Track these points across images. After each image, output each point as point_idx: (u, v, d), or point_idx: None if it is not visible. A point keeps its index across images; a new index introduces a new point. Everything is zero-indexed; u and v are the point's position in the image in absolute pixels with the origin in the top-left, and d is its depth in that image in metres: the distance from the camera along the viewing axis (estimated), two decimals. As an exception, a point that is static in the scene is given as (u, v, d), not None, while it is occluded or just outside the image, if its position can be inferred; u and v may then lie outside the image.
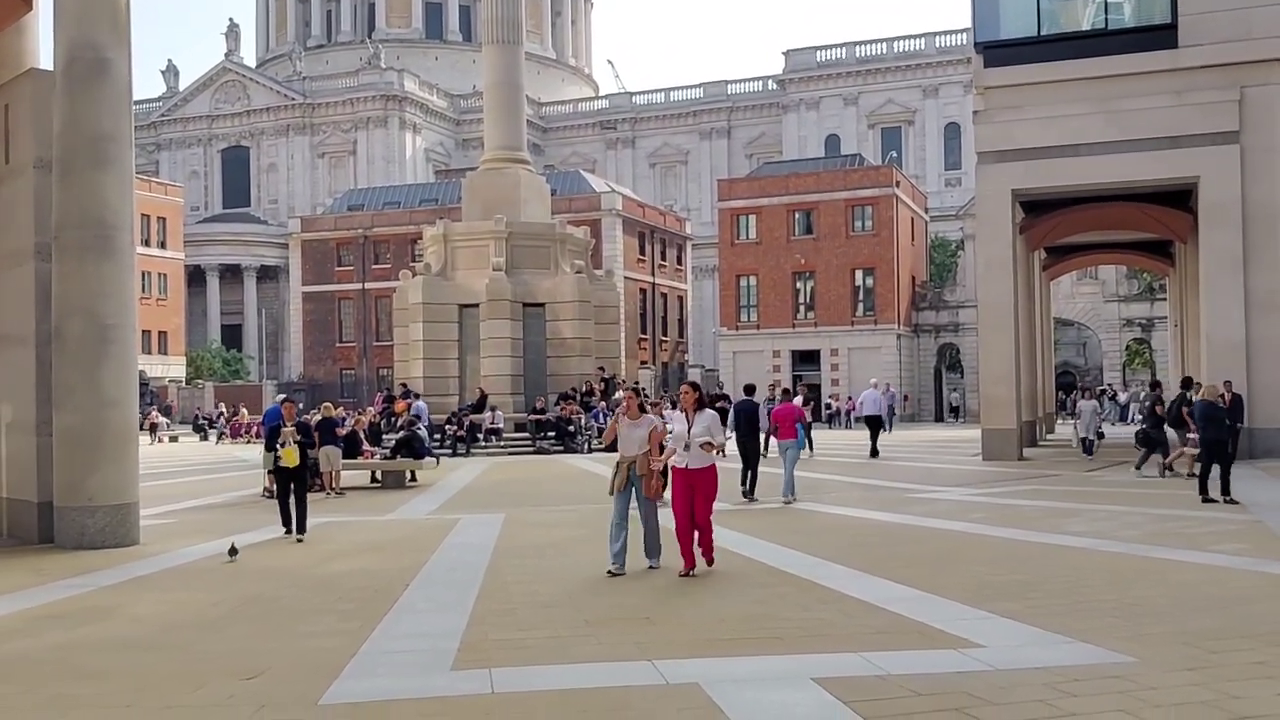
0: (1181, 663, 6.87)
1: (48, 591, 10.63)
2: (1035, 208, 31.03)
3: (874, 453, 28.31)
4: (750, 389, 19.81)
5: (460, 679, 6.79)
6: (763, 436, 20.81)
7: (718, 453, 11.05)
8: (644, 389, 36.10)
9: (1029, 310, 32.49)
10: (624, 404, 11.54)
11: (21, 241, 14.70)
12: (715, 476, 11.09)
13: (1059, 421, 43.90)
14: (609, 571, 10.73)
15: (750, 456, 18.58)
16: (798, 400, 25.73)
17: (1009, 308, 26.62)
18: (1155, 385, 28.13)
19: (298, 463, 14.42)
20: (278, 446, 14.60)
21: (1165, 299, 53.67)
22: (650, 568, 11.11)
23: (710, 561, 10.95)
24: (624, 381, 37.17)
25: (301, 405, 42.03)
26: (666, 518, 11.36)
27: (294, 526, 14.38)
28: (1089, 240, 38.49)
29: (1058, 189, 27.68)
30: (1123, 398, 53.83)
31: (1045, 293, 42.93)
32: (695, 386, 11.29)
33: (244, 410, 49.27)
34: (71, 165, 13.91)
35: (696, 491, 10.84)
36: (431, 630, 8.29)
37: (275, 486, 15.50)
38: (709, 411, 11.01)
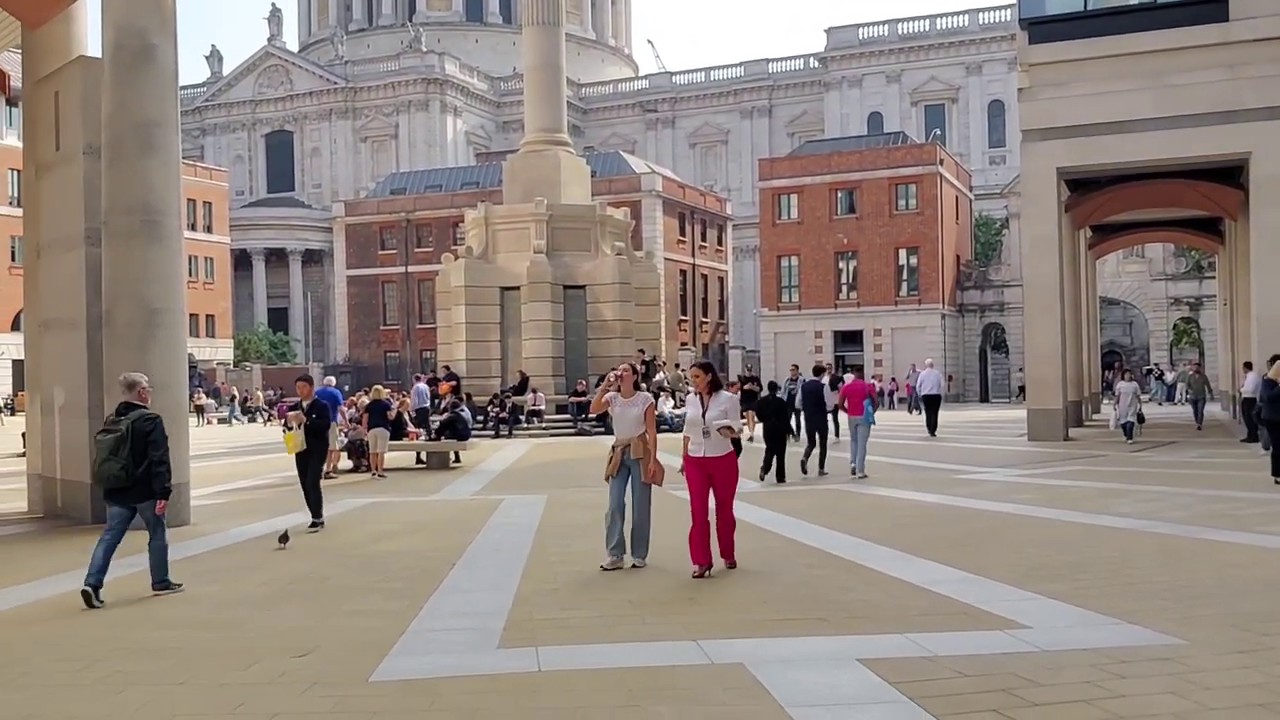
0: (1232, 645, 6.79)
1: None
2: (1081, 185, 30.63)
3: (933, 430, 29.51)
4: (819, 369, 21.63)
5: (507, 657, 6.85)
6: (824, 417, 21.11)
7: (746, 431, 10.81)
8: (659, 361, 35.90)
9: (1074, 289, 32.12)
10: (618, 380, 10.52)
11: (72, 227, 14.94)
12: (734, 465, 10.09)
13: (1104, 402, 43.37)
14: (602, 567, 10.01)
15: (819, 435, 19.58)
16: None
17: (1054, 287, 26.33)
18: (1249, 366, 25.17)
19: (302, 448, 13.49)
20: (283, 431, 13.92)
21: (1214, 277, 52.86)
22: (634, 566, 10.13)
23: (731, 563, 9.99)
24: (664, 363, 37.19)
25: (348, 387, 42.44)
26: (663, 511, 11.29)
27: (312, 514, 13.58)
28: (1136, 218, 37.98)
29: (1104, 167, 27.30)
30: (1170, 377, 53.09)
31: (1091, 271, 42.42)
32: (707, 367, 10.26)
33: (259, 392, 49.92)
34: (120, 151, 14.10)
35: (715, 481, 9.87)
36: (478, 609, 8.37)
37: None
38: (725, 394, 10.06)
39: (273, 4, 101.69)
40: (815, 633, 7.41)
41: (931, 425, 29.65)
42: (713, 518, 9.88)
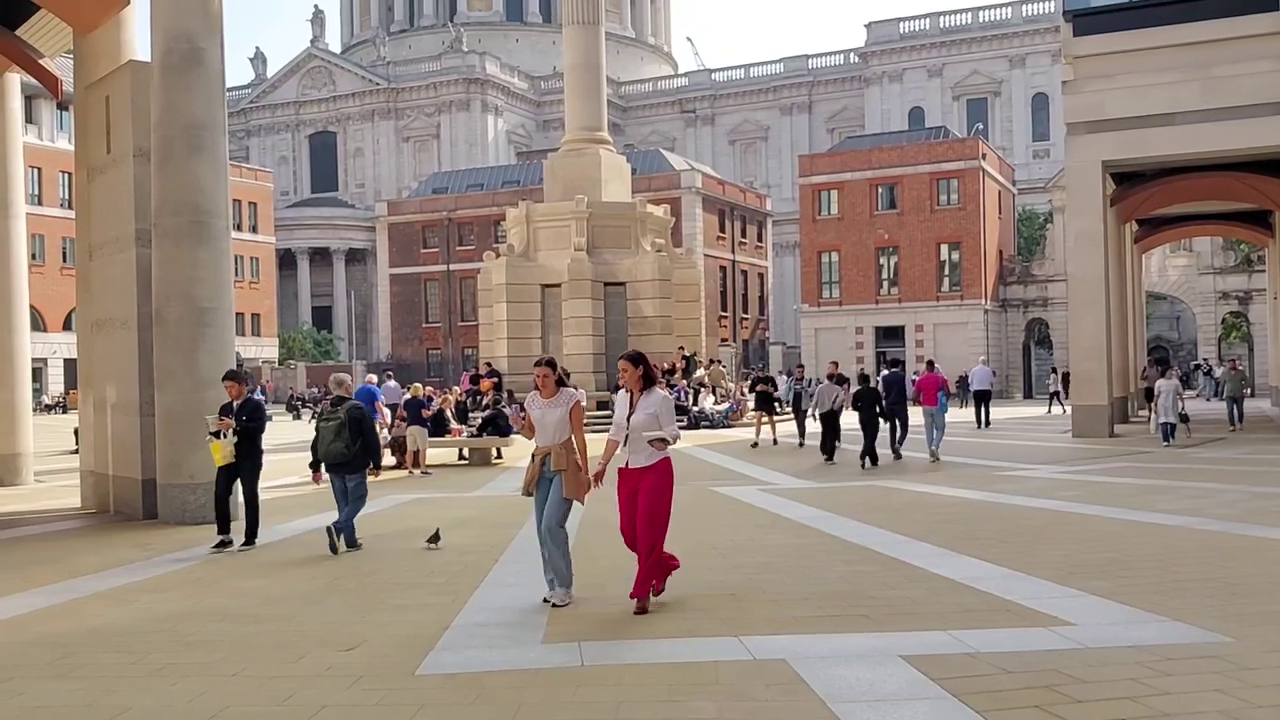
0: (1280, 643, 6.73)
1: (153, 566, 11.06)
2: (1127, 179, 30.29)
3: (987, 424, 31.53)
4: (895, 363, 23.62)
5: (551, 652, 6.93)
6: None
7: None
8: (697, 357, 35.87)
9: (1120, 284, 31.79)
10: (536, 378, 8.69)
11: (124, 228, 15.22)
12: (665, 480, 8.11)
13: (1142, 411, 42.90)
14: (546, 600, 8.35)
15: (900, 422, 21.96)
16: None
17: (1099, 282, 26.08)
18: None
19: (231, 459, 11.60)
20: (208, 438, 11.75)
21: (1264, 270, 51.97)
22: (546, 600, 8.32)
23: (657, 589, 8.33)
24: (703, 360, 37.21)
25: (393, 384, 42.63)
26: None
27: (245, 533, 11.86)
28: (1183, 211, 37.49)
29: (1150, 160, 27.01)
30: (1218, 373, 52.26)
31: (1137, 266, 41.91)
32: (637, 359, 8.35)
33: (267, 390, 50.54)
34: (169, 153, 14.33)
35: (639, 498, 8.06)
36: (521, 604, 8.45)
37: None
38: (659, 394, 8.31)
39: (315, 6, 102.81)
40: (857, 629, 7.42)
41: (981, 420, 31.70)
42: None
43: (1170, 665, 6.27)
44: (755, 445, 24.81)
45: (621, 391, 8.53)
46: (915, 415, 22.38)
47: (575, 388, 8.97)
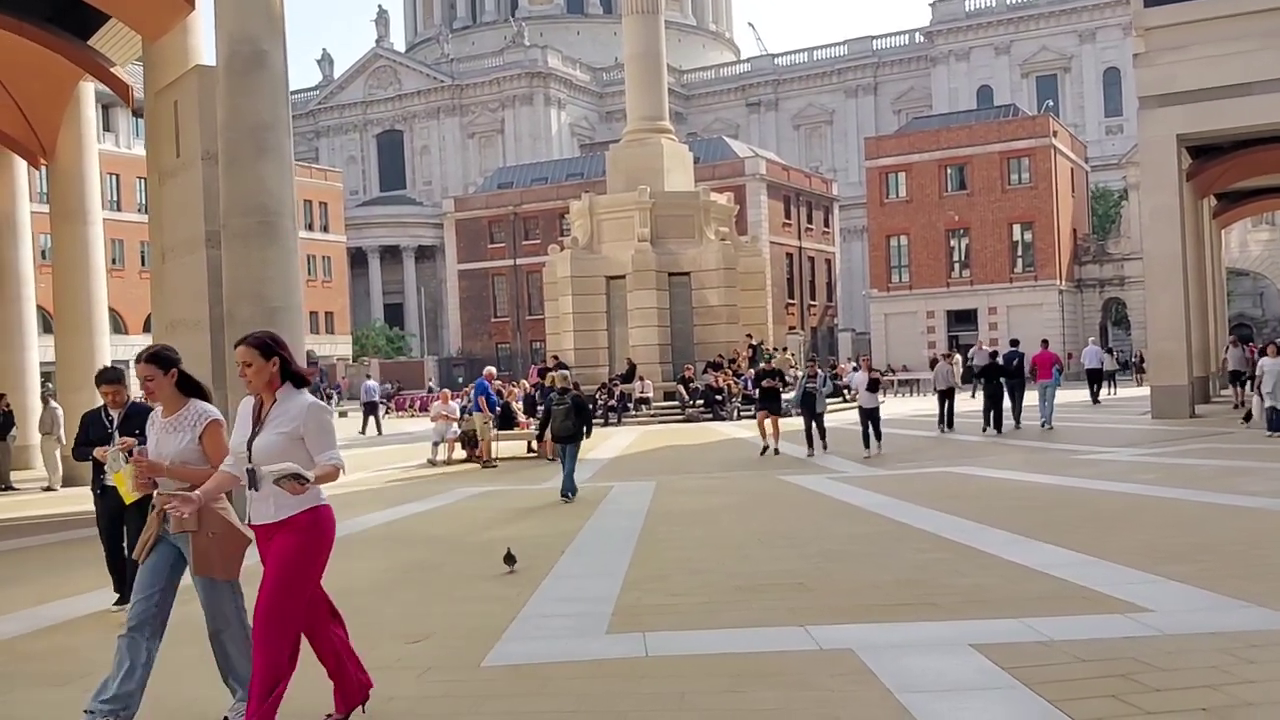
0: (1371, 628, 6.47)
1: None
2: (1203, 152, 29.44)
3: (1096, 400, 33.35)
4: (1015, 342, 26.03)
5: (615, 642, 6.91)
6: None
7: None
8: (765, 345, 35.56)
9: (1198, 261, 30.94)
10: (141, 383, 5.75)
11: (193, 230, 15.52)
12: (305, 547, 5.30)
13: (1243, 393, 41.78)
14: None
15: (1000, 397, 23.58)
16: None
17: (1176, 259, 25.39)
18: None
19: (150, 489, 5.66)
20: (105, 469, 7.22)
21: (1353, 243, 50.24)
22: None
23: (356, 703, 5.61)
24: (770, 349, 36.98)
25: (460, 380, 43.66)
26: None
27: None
28: (1264, 184, 36.32)
29: (1227, 131, 26.22)
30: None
31: (1216, 241, 40.75)
32: (265, 346, 5.09)
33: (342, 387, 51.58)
34: (235, 155, 14.55)
35: (264, 574, 5.14)
36: (587, 595, 8.46)
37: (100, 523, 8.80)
38: (303, 399, 5.13)
39: (379, 6, 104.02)
40: (926, 618, 7.29)
41: (1095, 395, 33.77)
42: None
43: (1254, 653, 6.06)
44: (766, 451, 20.52)
45: (248, 398, 5.26)
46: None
47: (209, 400, 5.81)
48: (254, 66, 14.55)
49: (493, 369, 26.32)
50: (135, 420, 7.64)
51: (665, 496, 15.28)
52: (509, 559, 9.43)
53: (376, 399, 35.66)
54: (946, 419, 24.64)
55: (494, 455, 21.60)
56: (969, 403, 30.02)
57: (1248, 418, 23.04)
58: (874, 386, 20.46)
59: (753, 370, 32.44)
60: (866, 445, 19.95)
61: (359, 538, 12.60)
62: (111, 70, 18.54)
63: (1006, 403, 23.96)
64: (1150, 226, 26.42)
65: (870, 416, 20.02)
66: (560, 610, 7.97)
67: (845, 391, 31.65)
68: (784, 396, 22.31)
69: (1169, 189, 25.56)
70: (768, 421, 20.51)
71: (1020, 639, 6.56)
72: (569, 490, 14.98)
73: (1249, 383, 25.19)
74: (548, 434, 21.16)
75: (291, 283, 14.81)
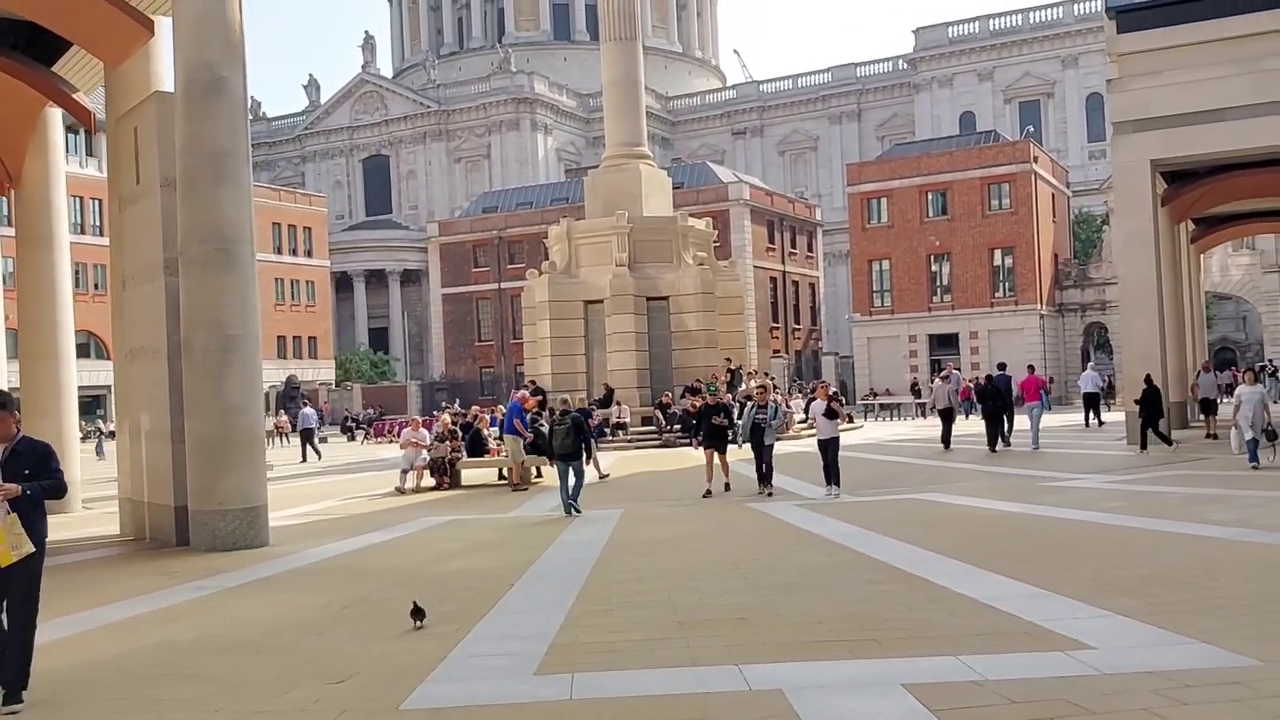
0: (1311, 667, 6.33)
1: (172, 594, 11.05)
2: (1179, 177, 29.51)
3: (1100, 423, 33.20)
4: (1002, 366, 28.34)
5: (542, 684, 6.73)
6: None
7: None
8: (743, 370, 35.46)
9: (1174, 286, 30.90)
10: None
11: (152, 257, 15.37)
12: None
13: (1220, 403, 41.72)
14: None
15: (999, 417, 25.43)
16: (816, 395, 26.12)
17: (1151, 284, 25.37)
18: None
19: (24, 550, 6.44)
20: None
21: (1332, 268, 50.41)
22: None
23: None
24: (751, 373, 36.86)
25: (444, 403, 44.20)
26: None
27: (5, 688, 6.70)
28: (1241, 209, 36.47)
29: (1201, 157, 26.28)
30: (1286, 374, 50.67)
31: (1195, 266, 40.83)
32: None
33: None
34: (193, 182, 14.44)
35: None
36: (525, 632, 8.27)
37: None
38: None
39: (366, 32, 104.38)
40: (865, 655, 7.13)
41: (1088, 419, 33.86)
42: None
43: (1188, 692, 5.92)
44: (726, 486, 18.70)
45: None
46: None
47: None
48: (212, 92, 14.45)
49: (525, 391, 26.24)
50: (29, 455, 6.80)
51: (629, 525, 15.10)
52: (416, 613, 8.56)
53: (313, 425, 37.12)
54: (946, 438, 26.18)
55: (522, 478, 21.62)
56: (962, 425, 30.15)
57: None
58: (832, 415, 17.98)
59: (730, 395, 32.33)
60: (828, 481, 17.73)
61: (310, 570, 12.40)
62: (74, 97, 18.40)
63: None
64: (1125, 251, 26.41)
65: (828, 449, 17.71)
66: (493, 649, 7.79)
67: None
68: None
69: (1143, 214, 25.56)
70: (715, 458, 18.55)
71: (955, 678, 6.41)
72: (574, 505, 16.35)
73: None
74: (516, 460, 21.60)
75: (249, 310, 14.65)
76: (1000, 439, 25.44)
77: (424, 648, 7.84)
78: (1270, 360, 56.69)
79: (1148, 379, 24.00)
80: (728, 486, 18.73)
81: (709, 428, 18.60)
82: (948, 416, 27.06)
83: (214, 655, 8.09)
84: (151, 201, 15.45)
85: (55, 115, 21.01)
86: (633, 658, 7.33)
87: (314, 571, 12.30)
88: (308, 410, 35.31)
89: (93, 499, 22.39)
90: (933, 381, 46.34)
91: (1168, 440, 23.11)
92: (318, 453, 36.01)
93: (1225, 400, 29.84)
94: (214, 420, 14.21)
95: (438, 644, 7.93)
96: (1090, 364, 43.56)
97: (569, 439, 16.47)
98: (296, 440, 37.14)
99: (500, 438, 25.59)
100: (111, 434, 61.36)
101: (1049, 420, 28.57)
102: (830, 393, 19.26)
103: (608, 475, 22.75)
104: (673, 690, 6.46)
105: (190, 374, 14.47)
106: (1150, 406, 23.26)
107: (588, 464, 17.62)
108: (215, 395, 14.25)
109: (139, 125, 15.88)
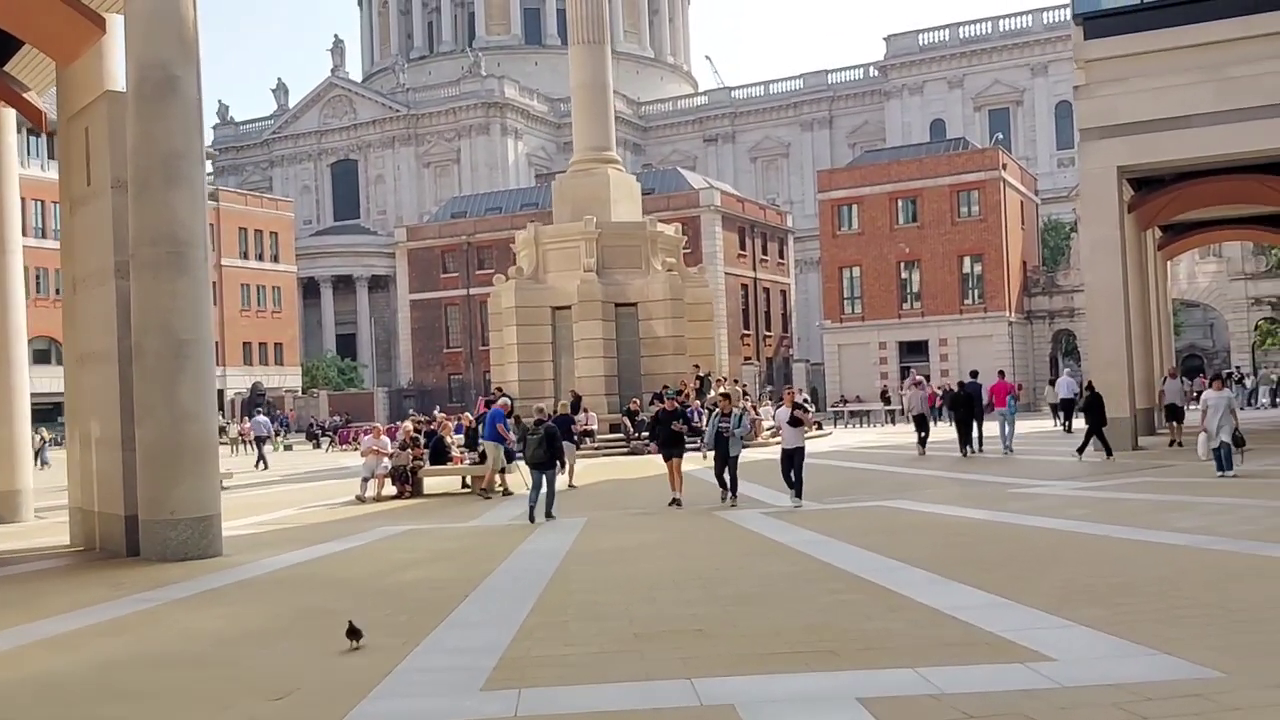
0: (1273, 678, 6.19)
1: (118, 606, 10.71)
2: (1145, 184, 29.61)
3: (1069, 429, 33.02)
4: (974, 373, 28.06)
5: (487, 700, 6.50)
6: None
7: None
8: (712, 377, 35.34)
9: (1141, 293, 31.00)
10: None
11: (103, 260, 15.00)
12: None
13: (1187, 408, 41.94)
14: None
15: (970, 423, 25.81)
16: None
17: (1118, 291, 25.39)
18: None
19: None
20: None
21: (1295, 275, 50.89)
22: None
23: None
24: (720, 379, 36.69)
25: (411, 410, 44.02)
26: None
27: None
28: (1207, 216, 36.64)
29: (1166, 164, 26.35)
30: (1249, 383, 51.15)
31: (1162, 273, 41.04)
32: None
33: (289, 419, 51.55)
34: (145, 184, 14.09)
35: None
36: (475, 645, 8.02)
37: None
38: None
39: (335, 36, 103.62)
40: (822, 667, 6.94)
41: (1069, 427, 33.70)
42: None
43: (1148, 706, 5.76)
44: (677, 503, 17.60)
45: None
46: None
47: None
48: (165, 92, 14.11)
49: (507, 399, 25.91)
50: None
51: (591, 534, 14.86)
52: (353, 633, 8.04)
53: (265, 434, 37.58)
54: (922, 443, 26.76)
55: (498, 485, 21.33)
56: (932, 431, 30.12)
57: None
58: (796, 423, 17.05)
59: (699, 402, 32.14)
60: (791, 488, 16.91)
61: (261, 581, 12.09)
62: (25, 96, 17.99)
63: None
64: (1091, 258, 26.43)
65: (792, 458, 16.81)
66: (441, 663, 7.54)
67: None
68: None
69: (1109, 221, 25.58)
70: (672, 467, 17.76)
71: (912, 691, 6.24)
72: (549, 513, 16.44)
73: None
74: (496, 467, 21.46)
75: (201, 315, 14.32)
76: (970, 445, 25.73)
77: (370, 662, 7.58)
78: (1237, 367, 57.22)
79: (1089, 385, 24.93)
80: (679, 502, 17.54)
81: (666, 434, 17.79)
82: (922, 423, 27.52)
83: (154, 670, 7.81)
84: (102, 203, 15.09)
85: (9, 116, 20.59)
86: (584, 672, 7.11)
87: (265, 583, 11.99)
88: (260, 418, 35.15)
89: (45, 508, 21.91)
90: (902, 388, 46.58)
91: (1108, 451, 23.14)
92: (265, 462, 35.51)
93: (1192, 407, 29.94)
94: (165, 427, 13.86)
95: (385, 658, 7.67)
96: (1065, 371, 44.20)
97: (541, 448, 16.52)
98: (263, 448, 36.69)
99: (465, 446, 25.34)
100: (55, 441, 60.44)
101: (1018, 426, 28.60)
102: (795, 399, 18.34)
103: (572, 487, 22.38)
104: (622, 706, 6.24)
105: (141, 380, 14.11)
106: (1094, 414, 23.46)
107: (562, 472, 17.55)
108: (167, 402, 13.90)
109: (90, 125, 15.52)
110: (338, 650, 8.15)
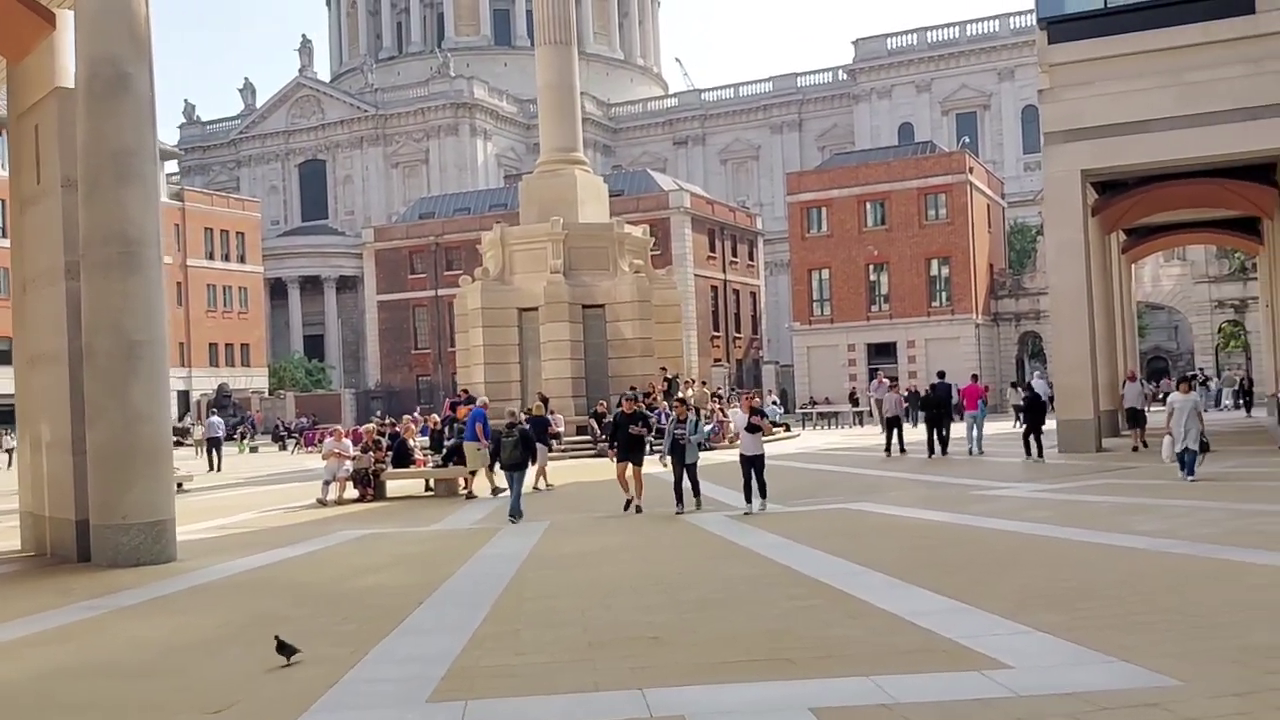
0: (1230, 686, 6.12)
1: (65, 614, 10.47)
2: (1109, 188, 29.78)
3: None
4: (942, 374, 27.73)
5: (432, 712, 6.34)
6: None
7: None
8: (680, 379, 35.28)
9: (1105, 295, 31.19)
10: None
11: (53, 260, 14.71)
12: None
13: (1149, 411, 42.24)
14: None
15: (941, 424, 26.21)
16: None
17: (1081, 293, 25.49)
18: None
19: None
20: None
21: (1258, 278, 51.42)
22: None
23: None
24: (689, 381, 36.60)
25: (378, 411, 43.91)
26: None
27: None
28: (1171, 220, 36.96)
29: (1130, 168, 26.50)
30: (1214, 385, 51.62)
31: (1126, 276, 41.36)
32: None
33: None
34: (96, 182, 13.83)
35: None
36: (425, 654, 7.85)
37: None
38: None
39: (304, 35, 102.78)
40: (775, 676, 6.83)
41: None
42: None
43: (1103, 716, 5.68)
44: (637, 508, 17.15)
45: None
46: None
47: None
48: (116, 89, 13.86)
49: (485, 399, 25.92)
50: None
51: (553, 538, 14.70)
52: (282, 649, 7.59)
53: (219, 435, 37.04)
54: (899, 445, 27.00)
55: (461, 489, 21.39)
56: (908, 431, 30.23)
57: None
58: (753, 429, 16.40)
59: (666, 404, 32.01)
60: (748, 500, 16.17)
61: (214, 586, 11.87)
62: (-25, 92, 17.63)
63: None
64: (1055, 261, 26.53)
65: (752, 465, 16.12)
66: (388, 674, 7.36)
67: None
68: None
69: (1074, 224, 25.67)
70: (629, 472, 17.35)
71: (865, 701, 6.13)
72: (516, 512, 16.58)
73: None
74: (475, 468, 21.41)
75: (154, 315, 14.05)
76: (938, 446, 26.00)
77: (316, 672, 7.40)
78: (1201, 369, 57.75)
79: (1028, 386, 25.55)
80: (639, 508, 17.08)
81: (625, 438, 17.22)
82: (895, 424, 27.67)
83: (95, 680, 7.60)
84: (52, 202, 14.79)
85: (-39, 113, 20.19)
86: (533, 683, 6.95)
87: (218, 589, 11.76)
88: (214, 419, 34.90)
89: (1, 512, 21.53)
90: (869, 390, 46.72)
91: (1039, 453, 23.24)
92: (218, 464, 34.92)
93: (1153, 409, 30.14)
94: (117, 430, 13.59)
95: (333, 668, 7.49)
96: (1037, 373, 44.57)
97: (516, 450, 16.93)
98: (220, 450, 36.10)
99: (430, 448, 25.12)
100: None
101: (986, 428, 28.57)
102: (754, 405, 17.56)
103: (550, 487, 22.47)
104: (570, 718, 6.09)
105: (92, 381, 13.83)
106: (1033, 414, 23.77)
107: (537, 475, 18.03)
108: (119, 403, 13.63)
109: (39, 123, 15.21)
110: (283, 660, 7.96)
